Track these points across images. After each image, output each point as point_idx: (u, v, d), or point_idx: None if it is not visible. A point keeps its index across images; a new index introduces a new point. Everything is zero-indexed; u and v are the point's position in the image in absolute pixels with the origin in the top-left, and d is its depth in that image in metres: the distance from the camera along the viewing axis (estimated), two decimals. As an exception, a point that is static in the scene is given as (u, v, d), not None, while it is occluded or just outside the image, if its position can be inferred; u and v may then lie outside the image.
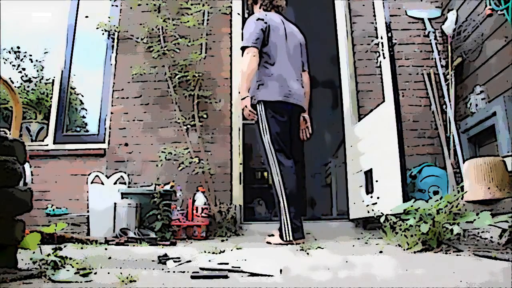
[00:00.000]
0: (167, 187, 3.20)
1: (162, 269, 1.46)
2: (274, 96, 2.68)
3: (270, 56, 2.75)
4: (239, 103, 3.30)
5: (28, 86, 4.49)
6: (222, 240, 2.85)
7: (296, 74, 2.85)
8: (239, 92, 3.63)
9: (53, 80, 4.04)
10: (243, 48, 2.72)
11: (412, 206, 1.91)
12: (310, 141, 3.11)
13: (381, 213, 2.18)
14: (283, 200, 2.55)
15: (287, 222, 2.52)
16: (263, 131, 2.68)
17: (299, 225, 2.54)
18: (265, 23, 2.75)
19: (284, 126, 2.71)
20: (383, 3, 2.81)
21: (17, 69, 4.72)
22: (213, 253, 1.97)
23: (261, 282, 1.23)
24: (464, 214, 1.75)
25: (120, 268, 1.44)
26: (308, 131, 2.98)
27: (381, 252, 1.82)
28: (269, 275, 1.30)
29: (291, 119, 2.77)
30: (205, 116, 3.63)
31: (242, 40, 2.84)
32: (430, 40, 3.65)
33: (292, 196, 2.55)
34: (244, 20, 3.87)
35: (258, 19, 2.77)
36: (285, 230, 2.52)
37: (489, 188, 2.06)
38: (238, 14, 3.87)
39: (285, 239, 2.51)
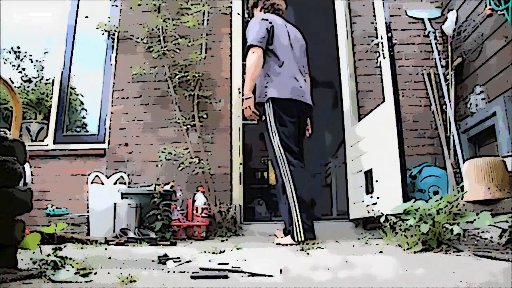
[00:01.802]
0: (167, 187, 3.20)
1: (162, 269, 1.46)
2: (285, 94, 2.64)
3: (277, 56, 2.73)
4: (239, 103, 3.29)
5: (28, 86, 4.49)
6: (222, 240, 2.85)
7: (303, 74, 2.85)
8: (239, 91, 3.63)
9: (53, 80, 4.04)
10: (248, 47, 2.69)
11: (412, 206, 1.91)
12: (310, 141, 3.11)
13: (381, 213, 2.18)
14: (293, 201, 2.51)
15: (298, 223, 2.48)
16: (272, 130, 2.63)
17: (310, 225, 2.52)
18: (270, 23, 2.74)
19: (294, 125, 2.68)
20: (383, 3, 2.81)
21: (17, 69, 4.73)
22: (213, 253, 1.97)
23: (261, 282, 1.23)
24: (464, 214, 1.75)
25: (120, 268, 1.44)
26: (308, 132, 2.97)
27: (381, 252, 1.82)
28: (269, 275, 1.30)
29: (300, 118, 2.74)
30: (205, 116, 3.63)
31: (246, 40, 2.81)
32: (430, 40, 3.65)
33: (301, 194, 2.52)
34: (244, 20, 3.87)
35: (263, 19, 2.77)
36: (297, 231, 2.48)
37: (489, 188, 2.06)
38: (238, 14, 3.87)
39: (296, 239, 2.47)
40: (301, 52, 2.93)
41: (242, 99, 2.75)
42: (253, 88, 2.69)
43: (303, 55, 2.94)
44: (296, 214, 2.49)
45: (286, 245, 2.46)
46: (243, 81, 2.88)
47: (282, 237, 2.65)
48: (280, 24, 2.82)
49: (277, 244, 2.58)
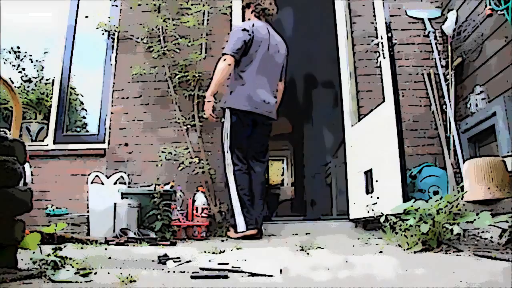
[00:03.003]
0: (167, 187, 3.20)
1: (162, 269, 1.46)
2: (242, 105, 2.91)
3: (247, 66, 2.94)
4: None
5: (28, 86, 4.49)
6: (222, 240, 2.85)
7: (271, 86, 3.05)
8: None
9: (53, 80, 4.04)
10: (223, 54, 2.93)
11: (412, 206, 1.91)
12: (310, 141, 3.13)
13: (381, 213, 2.17)
14: (235, 198, 2.88)
15: (239, 216, 2.85)
16: (225, 134, 2.95)
17: (254, 218, 2.86)
18: (249, 34, 2.95)
19: (245, 133, 2.98)
20: (383, 3, 2.81)
21: (17, 69, 4.73)
22: (213, 253, 1.97)
23: (261, 282, 1.23)
24: (464, 214, 1.75)
25: (120, 268, 1.44)
26: (267, 139, 3.21)
27: (381, 252, 1.82)
28: (269, 275, 1.30)
29: (256, 128, 3.02)
30: (205, 116, 3.62)
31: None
32: (430, 40, 3.64)
33: (243, 192, 2.88)
34: (244, 20, 3.86)
35: (244, 29, 2.97)
36: (237, 224, 2.85)
37: (489, 188, 2.06)
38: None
39: (239, 230, 2.84)
40: (278, 63, 3.12)
41: (203, 101, 3.11)
42: (215, 93, 2.97)
43: (279, 66, 3.13)
44: (236, 209, 2.86)
45: (234, 238, 2.84)
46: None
47: (229, 231, 3.03)
48: (262, 34, 3.01)
49: (227, 237, 2.97)
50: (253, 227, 2.83)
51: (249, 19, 3.22)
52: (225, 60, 2.90)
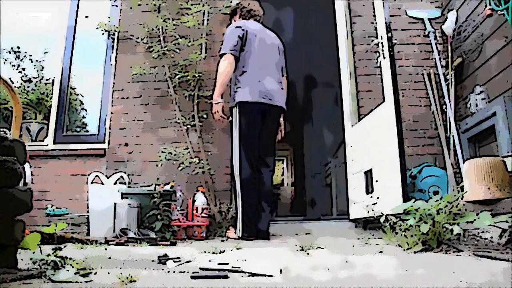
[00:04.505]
0: (167, 187, 3.20)
1: (162, 269, 1.46)
2: (250, 97, 2.87)
3: (246, 61, 2.94)
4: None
5: (28, 86, 4.48)
6: (222, 240, 2.85)
7: (275, 77, 3.03)
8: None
9: (53, 80, 4.04)
10: (221, 55, 2.94)
11: (412, 206, 1.91)
12: (310, 141, 3.12)
13: (381, 213, 2.17)
14: (239, 200, 2.83)
15: (240, 221, 2.81)
16: (235, 132, 2.89)
17: (254, 223, 2.80)
18: (243, 30, 2.96)
19: (255, 126, 2.91)
20: (383, 3, 2.81)
21: (17, 69, 4.73)
22: (213, 253, 1.97)
23: (261, 282, 1.23)
24: (464, 214, 1.75)
25: (120, 268, 1.44)
26: (282, 133, 3.19)
27: (381, 252, 1.82)
28: (269, 275, 1.30)
29: (266, 120, 2.95)
30: (205, 116, 3.63)
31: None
32: (430, 40, 3.64)
33: (249, 197, 2.81)
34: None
35: (236, 27, 2.99)
36: (238, 227, 2.81)
37: (489, 188, 2.06)
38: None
39: (237, 234, 2.82)
40: (276, 56, 3.12)
41: (211, 103, 3.02)
42: (222, 93, 2.93)
43: (277, 59, 3.13)
44: (240, 213, 2.81)
45: (232, 238, 2.83)
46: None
47: (229, 231, 3.03)
48: (254, 30, 3.03)
49: (226, 237, 2.97)
50: (248, 235, 2.78)
51: None
52: (224, 59, 2.92)
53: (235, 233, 2.86)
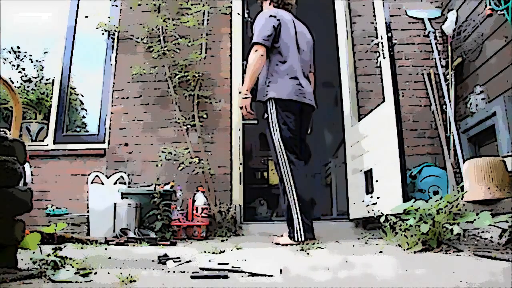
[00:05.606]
0: (167, 187, 3.20)
1: (162, 269, 1.46)
2: (287, 95, 2.61)
3: (281, 54, 2.68)
4: (239, 102, 3.29)
5: (28, 86, 4.48)
6: (222, 240, 2.85)
7: (306, 73, 2.80)
8: (239, 92, 3.64)
9: (53, 80, 4.04)
10: (252, 44, 2.64)
11: (412, 206, 1.91)
12: (310, 141, 3.11)
13: (381, 213, 2.18)
14: (294, 201, 2.50)
15: (299, 223, 2.46)
16: (273, 129, 2.60)
17: (310, 225, 2.50)
18: (277, 20, 2.69)
19: (295, 125, 2.64)
20: (383, 3, 2.81)
21: (17, 69, 4.72)
22: (213, 253, 1.97)
23: (261, 282, 1.23)
24: (464, 214, 1.75)
25: (120, 268, 1.44)
26: (307, 131, 2.95)
27: (381, 252, 1.82)
28: (269, 275, 1.30)
29: (301, 118, 2.71)
30: (205, 116, 3.63)
31: (246, 40, 2.80)
32: (430, 40, 3.64)
33: (302, 196, 2.51)
34: (244, 20, 3.87)
35: (270, 15, 2.71)
36: (297, 231, 2.46)
37: (489, 188, 2.06)
38: (238, 14, 3.87)
39: (296, 239, 2.45)
40: (307, 51, 2.88)
41: (241, 97, 2.71)
42: (252, 87, 2.67)
43: (308, 54, 2.89)
44: (296, 214, 2.48)
45: (286, 245, 2.45)
46: (243, 80, 2.84)
47: (282, 236, 2.62)
48: (287, 21, 2.76)
49: (275, 243, 2.56)
50: (311, 236, 2.49)
51: None
52: (256, 51, 2.61)
53: (292, 237, 2.49)
